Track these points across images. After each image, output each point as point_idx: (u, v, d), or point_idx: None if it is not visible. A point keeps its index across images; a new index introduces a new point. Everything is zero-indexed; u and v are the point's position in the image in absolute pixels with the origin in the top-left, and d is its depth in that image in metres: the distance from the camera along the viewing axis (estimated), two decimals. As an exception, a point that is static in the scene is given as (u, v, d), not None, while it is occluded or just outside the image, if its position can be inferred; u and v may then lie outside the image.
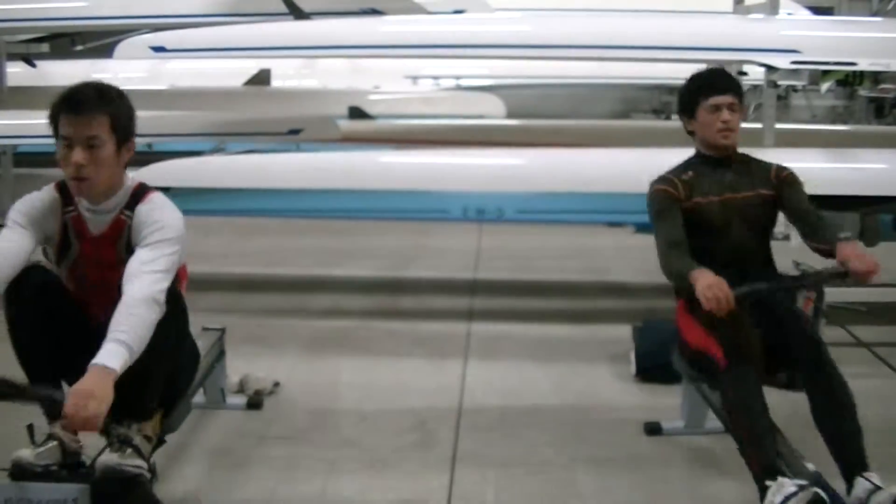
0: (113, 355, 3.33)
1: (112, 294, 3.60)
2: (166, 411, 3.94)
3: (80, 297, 3.94)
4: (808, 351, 4.05)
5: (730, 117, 4.41)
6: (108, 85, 3.85)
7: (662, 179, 4.49)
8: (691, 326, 4.31)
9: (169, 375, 3.87)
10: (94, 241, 3.87)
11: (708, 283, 3.91)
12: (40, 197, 3.90)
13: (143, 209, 3.80)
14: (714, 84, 4.48)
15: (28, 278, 3.78)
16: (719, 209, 4.40)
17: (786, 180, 4.48)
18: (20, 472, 3.52)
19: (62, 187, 3.90)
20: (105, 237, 3.86)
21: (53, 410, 3.39)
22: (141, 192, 3.88)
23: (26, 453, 3.52)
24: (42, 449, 3.56)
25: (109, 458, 3.51)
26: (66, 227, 3.88)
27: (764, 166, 4.53)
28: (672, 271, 4.29)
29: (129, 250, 3.76)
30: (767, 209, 4.49)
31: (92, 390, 3.22)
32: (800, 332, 4.14)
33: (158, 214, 3.79)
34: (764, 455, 3.74)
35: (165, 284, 3.64)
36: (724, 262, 4.20)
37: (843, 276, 4.19)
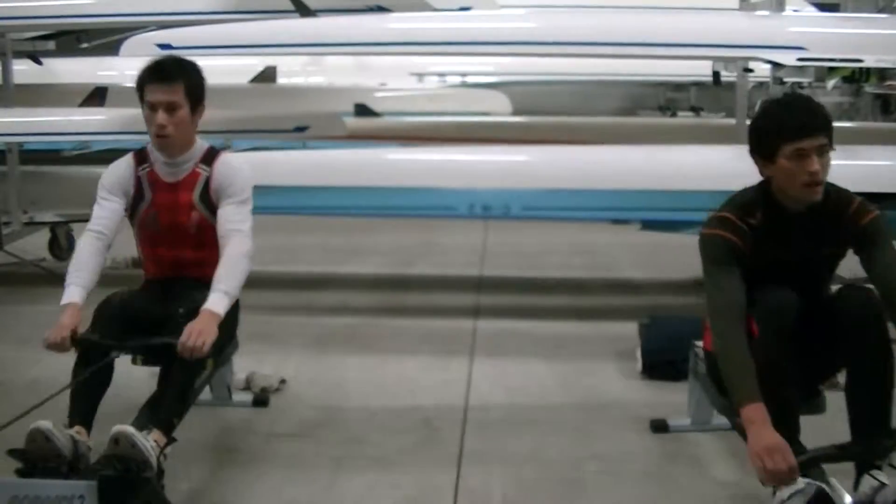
0: (219, 302, 4.06)
1: (182, 236, 4.43)
2: (218, 351, 4.33)
3: (151, 243, 4.54)
4: (870, 346, 3.69)
5: (818, 167, 3.68)
6: (185, 59, 4.52)
7: (724, 222, 3.83)
8: None
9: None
10: (169, 188, 4.43)
11: (767, 447, 3.31)
12: (117, 165, 4.52)
13: (221, 167, 4.44)
14: (801, 124, 3.70)
15: (106, 313, 4.22)
16: (775, 270, 3.81)
17: (866, 232, 3.83)
18: (27, 467, 3.55)
19: (138, 153, 4.52)
20: (181, 184, 4.43)
21: (167, 350, 3.98)
22: (213, 152, 4.50)
23: (45, 424, 3.59)
24: (59, 430, 3.62)
25: (125, 426, 3.59)
26: (141, 182, 4.45)
27: (840, 206, 3.85)
28: (726, 375, 3.63)
29: (205, 196, 4.40)
30: (831, 266, 4.00)
31: (202, 329, 3.93)
32: (859, 300, 3.76)
33: (237, 171, 4.45)
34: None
35: (252, 241, 4.33)
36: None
37: None
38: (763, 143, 3.77)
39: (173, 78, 4.35)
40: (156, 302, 4.38)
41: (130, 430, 3.60)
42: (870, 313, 3.73)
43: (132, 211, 4.49)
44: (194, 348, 3.88)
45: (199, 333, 3.91)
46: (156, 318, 4.22)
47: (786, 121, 3.72)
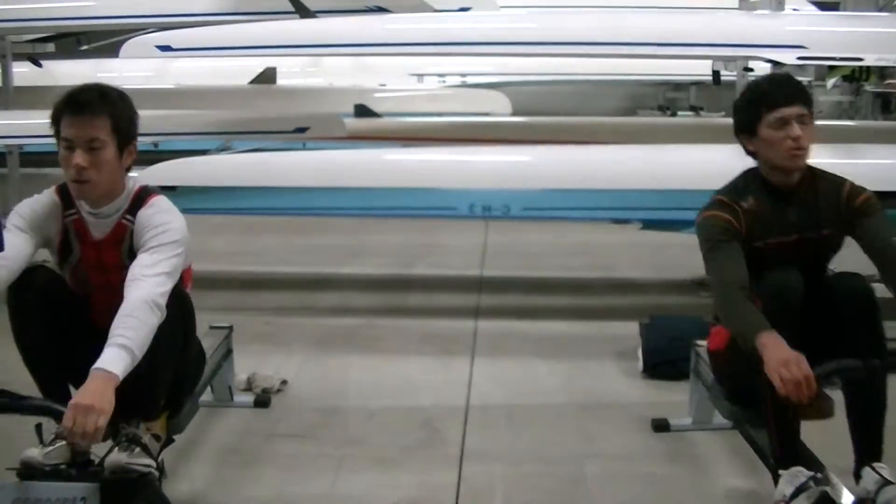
0: (114, 360, 3.33)
1: (115, 297, 3.59)
2: (173, 412, 3.96)
3: (84, 300, 3.95)
4: (862, 332, 3.72)
5: (800, 132, 3.79)
6: (110, 87, 3.87)
7: (720, 204, 3.90)
8: (734, 359, 3.89)
9: (176, 376, 3.89)
10: (96, 245, 3.87)
11: (783, 359, 3.36)
12: (40, 200, 3.90)
13: (144, 213, 3.80)
14: (779, 93, 3.85)
15: (31, 279, 3.79)
16: (775, 253, 3.86)
17: (860, 209, 3.88)
18: (29, 471, 3.53)
19: (62, 190, 3.90)
20: (107, 241, 3.86)
21: (55, 419, 3.39)
22: (143, 195, 3.89)
23: (35, 452, 3.53)
24: (51, 448, 3.57)
25: (118, 457, 3.52)
26: (67, 230, 3.88)
27: (834, 189, 3.93)
28: (733, 324, 3.72)
29: (132, 254, 3.77)
30: (832, 247, 4.01)
31: (91, 404, 3.22)
32: (855, 310, 3.74)
33: (160, 218, 3.78)
34: (788, 446, 3.65)
35: (167, 288, 3.62)
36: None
37: None
38: (746, 117, 3.91)
39: (96, 110, 3.71)
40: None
41: (122, 460, 3.51)
42: (865, 307, 3.75)
43: (60, 260, 3.92)
44: (84, 434, 3.23)
45: (87, 411, 3.21)
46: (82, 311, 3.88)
47: (766, 91, 3.88)
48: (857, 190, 3.92)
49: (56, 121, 3.77)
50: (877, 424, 3.74)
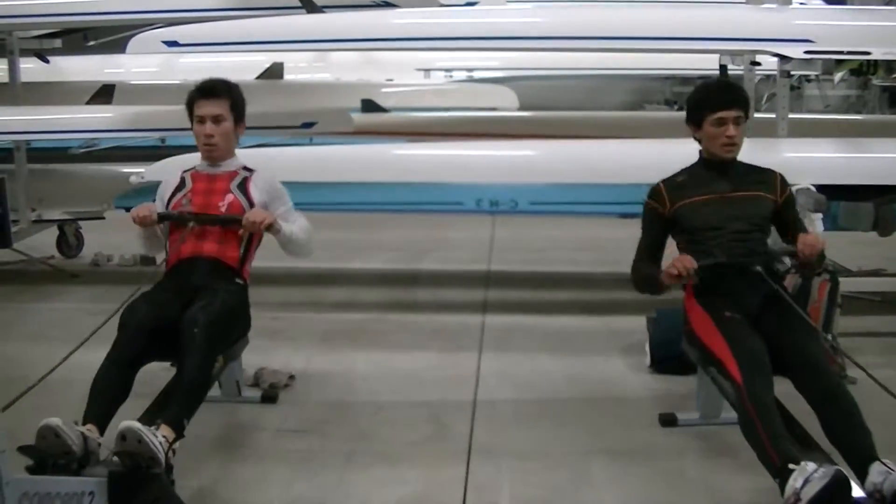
0: (283, 224, 4.86)
1: (213, 212, 4.85)
2: (229, 347, 4.66)
3: (179, 228, 4.88)
4: (808, 368, 4.07)
5: (734, 132, 4.59)
6: (228, 79, 5.06)
7: (652, 191, 4.75)
8: (700, 317, 4.46)
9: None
10: (208, 178, 5.00)
11: (672, 261, 4.35)
12: (167, 180, 5.13)
13: (264, 174, 5.08)
14: (720, 98, 4.62)
15: (136, 312, 4.40)
16: (715, 206, 4.59)
17: (789, 199, 4.70)
18: (38, 464, 3.56)
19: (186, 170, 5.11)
20: (220, 176, 5.00)
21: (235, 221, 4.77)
22: (248, 167, 5.09)
23: (55, 420, 3.60)
24: (69, 427, 3.63)
25: (134, 423, 3.59)
26: (184, 179, 5.03)
27: (769, 173, 4.70)
28: (637, 280, 4.81)
29: (242, 188, 4.95)
30: (766, 208, 4.63)
31: (258, 213, 4.78)
32: (801, 352, 4.13)
33: (281, 187, 5.11)
34: (782, 451, 3.72)
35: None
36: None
37: (793, 254, 4.44)
38: (693, 112, 4.69)
39: (220, 94, 4.94)
40: (175, 300, 4.51)
41: (137, 425, 3.61)
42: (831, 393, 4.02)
43: (169, 198, 4.98)
44: (260, 221, 4.71)
45: (263, 214, 4.76)
46: (176, 320, 4.35)
47: (710, 95, 4.68)
48: (786, 181, 4.71)
49: (190, 104, 4.97)
50: (861, 436, 3.82)
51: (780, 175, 4.70)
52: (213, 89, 4.97)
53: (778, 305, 4.36)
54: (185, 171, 5.07)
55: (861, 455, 3.74)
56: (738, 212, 4.56)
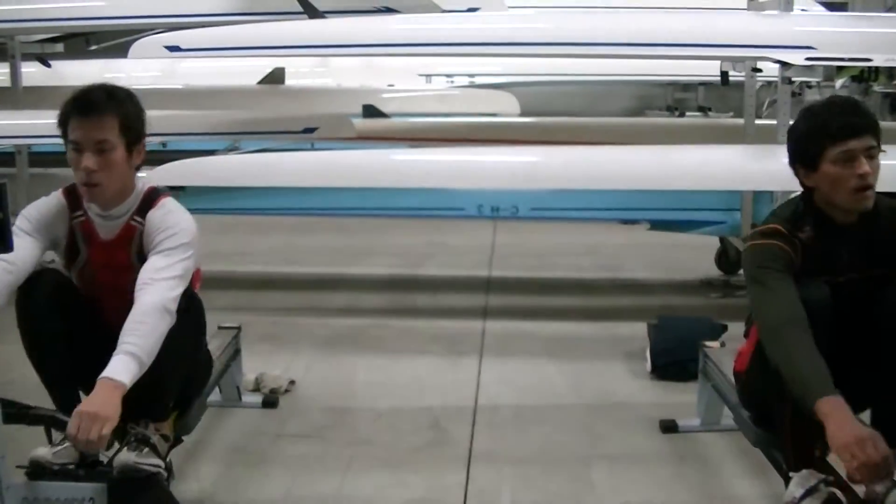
0: (122, 368, 3.32)
1: (124, 297, 3.59)
2: (182, 412, 3.98)
3: (92, 301, 3.93)
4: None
5: (869, 169, 3.41)
6: (117, 86, 3.83)
7: (776, 234, 3.52)
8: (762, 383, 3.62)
9: (185, 376, 3.90)
10: (104, 246, 3.85)
11: (857, 437, 2.99)
12: (47, 203, 3.88)
13: (154, 215, 3.79)
14: (846, 124, 3.44)
15: (40, 282, 3.78)
16: (839, 293, 3.49)
17: None
18: (37, 471, 3.55)
19: (69, 192, 3.88)
20: (115, 242, 3.84)
21: (59, 428, 3.38)
22: (152, 196, 3.88)
23: (43, 452, 3.56)
24: (59, 448, 3.59)
25: (127, 456, 3.54)
26: (74, 232, 3.86)
27: (894, 220, 3.58)
28: (790, 376, 3.26)
29: (141, 255, 3.77)
30: (883, 283, 3.56)
31: (97, 412, 3.21)
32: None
33: (171, 219, 3.78)
34: (804, 458, 3.55)
35: (179, 291, 3.62)
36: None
37: None
38: (806, 148, 3.52)
39: (102, 110, 3.68)
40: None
41: (131, 461, 3.52)
42: None
43: (68, 263, 3.91)
44: (88, 442, 3.20)
45: (92, 419, 3.19)
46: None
47: (830, 121, 3.46)
48: None
49: (63, 123, 3.74)
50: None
51: None
52: (93, 105, 3.68)
53: None
54: (73, 216, 3.87)
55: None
56: (845, 297, 3.50)
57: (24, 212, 3.84)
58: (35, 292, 3.74)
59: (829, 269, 3.53)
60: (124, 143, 3.72)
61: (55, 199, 3.89)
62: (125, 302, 3.55)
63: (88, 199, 3.78)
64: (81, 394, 3.74)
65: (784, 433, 3.60)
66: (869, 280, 3.55)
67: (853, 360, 3.48)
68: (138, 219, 3.81)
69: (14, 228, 3.53)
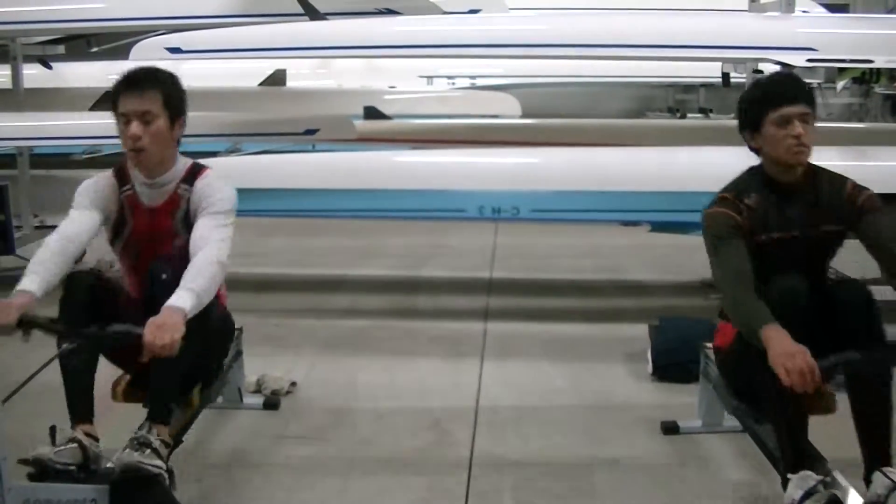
0: (183, 299, 3.65)
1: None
2: (204, 383, 4.20)
3: (134, 272, 4.21)
4: (862, 335, 3.73)
5: (802, 130, 3.87)
6: (161, 68, 4.22)
7: (723, 201, 4.00)
8: (739, 356, 3.91)
9: (205, 348, 4.05)
10: (148, 214, 4.14)
11: (788, 352, 3.40)
12: (97, 180, 4.21)
13: (202, 182, 4.13)
14: (783, 92, 3.96)
15: (77, 283, 3.99)
16: (777, 249, 3.94)
17: (863, 207, 3.93)
18: (39, 472, 3.55)
19: (117, 171, 4.21)
20: (160, 209, 4.14)
21: (130, 342, 3.62)
22: (196, 168, 4.21)
23: (46, 450, 3.57)
24: (62, 448, 3.59)
25: (130, 455, 3.55)
26: (122, 206, 4.16)
27: (835, 187, 3.99)
28: (738, 316, 3.77)
29: (186, 222, 4.10)
30: (834, 243, 4.07)
31: (165, 322, 3.53)
32: (856, 313, 3.78)
33: (218, 187, 4.13)
34: (796, 449, 3.65)
35: (229, 247, 4.03)
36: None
37: None
38: (750, 114, 4.01)
39: (148, 86, 4.06)
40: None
41: (134, 460, 3.55)
42: (865, 312, 3.80)
43: (114, 236, 4.21)
44: (163, 346, 3.49)
45: (162, 328, 3.51)
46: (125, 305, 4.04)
47: (770, 90, 4.00)
48: (858, 188, 3.99)
49: (114, 99, 4.08)
50: (884, 427, 3.72)
51: (851, 183, 4.02)
52: (138, 81, 4.07)
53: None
54: (121, 190, 4.17)
55: (873, 449, 3.67)
56: (813, 255, 4.01)
57: (80, 189, 4.19)
58: (70, 300, 3.93)
59: (779, 225, 3.96)
60: (167, 115, 4.05)
61: (105, 177, 4.22)
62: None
63: (135, 164, 4.10)
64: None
65: (780, 439, 3.70)
66: (818, 237, 3.99)
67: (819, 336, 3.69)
68: (185, 187, 4.14)
69: (73, 204, 4.16)
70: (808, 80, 6.49)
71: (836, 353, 3.59)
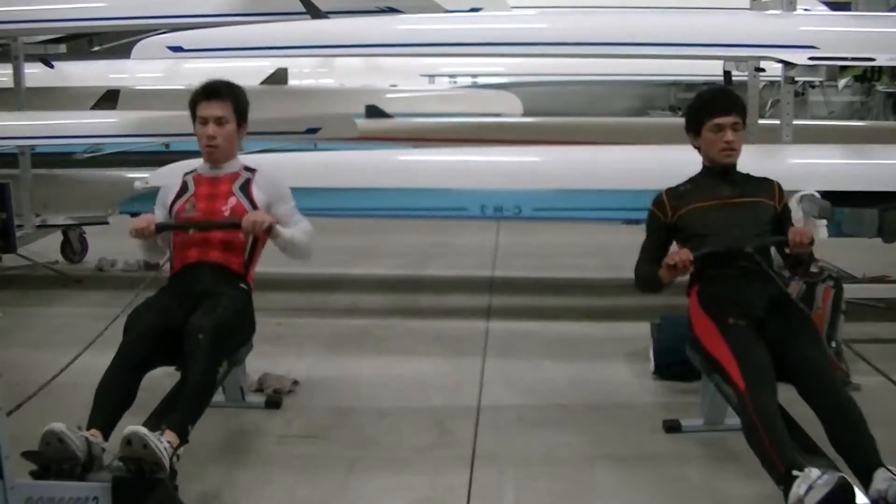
0: (282, 228, 4.81)
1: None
2: (231, 354, 4.61)
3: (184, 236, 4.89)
4: (813, 377, 4.07)
5: (732, 137, 4.66)
6: (232, 82, 5.04)
7: (656, 199, 4.84)
8: (704, 324, 4.45)
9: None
10: (210, 181, 4.97)
11: (669, 254, 4.50)
12: (168, 185, 5.11)
13: (267, 172, 5.06)
14: (717, 105, 4.72)
15: (144, 316, 4.46)
16: (717, 212, 4.66)
17: (786, 208, 4.79)
18: (42, 469, 3.56)
19: (187, 173, 5.10)
20: (223, 178, 4.97)
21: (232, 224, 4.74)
22: (250, 167, 5.07)
23: (58, 426, 3.60)
24: (73, 433, 3.63)
25: (139, 428, 3.59)
26: (186, 182, 5.02)
27: (768, 182, 4.80)
28: (638, 278, 4.86)
29: (244, 189, 4.93)
30: (767, 214, 4.71)
31: (260, 214, 4.73)
32: (806, 360, 4.13)
33: (284, 184, 5.08)
34: (786, 458, 3.72)
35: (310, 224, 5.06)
36: (725, 262, 4.53)
37: (784, 243, 4.53)
38: (691, 120, 4.79)
39: (223, 95, 4.92)
40: (179, 306, 4.53)
41: (142, 430, 3.62)
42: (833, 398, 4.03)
43: (172, 202, 4.96)
44: (256, 221, 4.65)
45: (259, 217, 4.69)
46: (181, 325, 4.37)
47: (708, 102, 4.79)
48: (783, 190, 4.81)
49: (193, 105, 4.95)
50: (865, 443, 3.82)
51: (778, 184, 4.80)
52: (216, 91, 4.94)
53: (783, 310, 4.38)
54: (186, 174, 5.07)
55: (866, 462, 3.73)
56: (740, 216, 4.64)
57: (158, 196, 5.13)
58: (136, 326, 4.39)
59: (707, 196, 4.70)
60: (236, 120, 4.96)
61: (178, 170, 5.36)
62: (214, 236, 4.80)
63: (208, 159, 5.00)
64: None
65: (752, 434, 3.89)
66: (744, 203, 4.70)
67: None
68: (246, 171, 5.02)
69: (155, 211, 5.00)
70: (809, 79, 6.51)
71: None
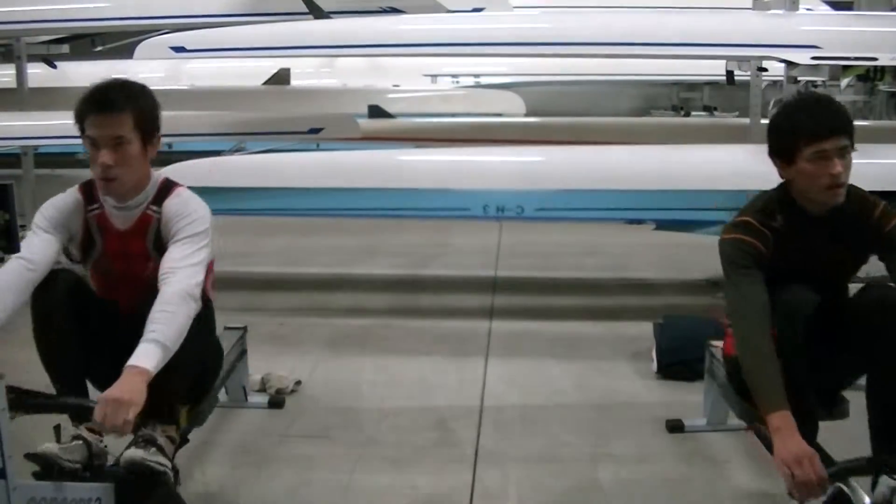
0: (147, 355, 3.38)
1: (139, 286, 3.73)
2: (195, 403, 4.01)
3: (107, 292, 4.00)
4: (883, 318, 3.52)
5: (841, 168, 3.52)
6: (131, 81, 3.89)
7: (746, 227, 3.68)
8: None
9: (196, 372, 3.92)
10: (120, 236, 3.91)
11: (796, 455, 3.17)
12: (63, 199, 3.95)
13: (171, 203, 3.86)
14: (821, 124, 3.55)
15: (55, 280, 3.83)
16: (801, 273, 3.62)
17: (891, 238, 3.72)
18: (45, 470, 3.55)
19: (85, 187, 3.96)
20: (131, 231, 3.90)
21: (83, 417, 3.46)
22: (167, 186, 3.93)
23: (52, 447, 3.56)
24: (68, 445, 3.59)
25: (135, 453, 3.54)
26: (89, 225, 3.93)
27: (865, 212, 3.75)
28: (750, 380, 3.50)
29: (158, 243, 3.85)
30: (855, 265, 3.89)
31: (122, 397, 3.26)
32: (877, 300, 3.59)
33: (188, 208, 3.85)
34: None
35: (201, 277, 3.70)
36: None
37: None
38: (782, 145, 3.63)
39: (119, 107, 3.74)
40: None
41: (139, 456, 3.54)
42: (890, 307, 3.57)
43: (84, 256, 3.98)
44: (114, 427, 3.26)
45: (118, 404, 3.24)
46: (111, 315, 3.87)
47: (805, 121, 3.57)
48: (888, 212, 3.75)
49: (80, 119, 3.81)
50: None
51: (884, 204, 3.79)
52: (109, 103, 3.75)
53: None
54: (88, 209, 3.93)
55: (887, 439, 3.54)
56: (834, 282, 3.78)
57: (41, 209, 3.93)
58: (50, 292, 3.80)
59: (801, 254, 3.64)
60: (139, 137, 3.78)
61: (71, 195, 3.96)
62: (140, 291, 3.66)
63: (105, 193, 3.85)
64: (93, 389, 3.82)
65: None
66: (840, 263, 3.77)
67: (828, 347, 3.67)
68: (154, 208, 3.87)
69: (32, 226, 3.87)
70: (811, 78, 6.49)
71: (856, 365, 3.67)
